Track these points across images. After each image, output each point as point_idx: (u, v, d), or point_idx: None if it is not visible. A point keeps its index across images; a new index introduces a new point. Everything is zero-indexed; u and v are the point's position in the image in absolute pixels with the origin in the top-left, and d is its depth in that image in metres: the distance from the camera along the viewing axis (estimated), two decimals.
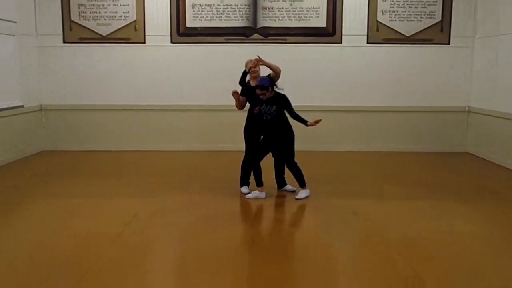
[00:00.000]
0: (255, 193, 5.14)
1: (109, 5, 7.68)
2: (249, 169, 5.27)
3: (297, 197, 5.15)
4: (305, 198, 5.12)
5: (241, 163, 5.34)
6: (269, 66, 5.01)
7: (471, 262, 3.61)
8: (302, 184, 5.19)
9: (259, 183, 5.15)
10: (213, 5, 7.67)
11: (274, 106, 4.96)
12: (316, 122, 5.04)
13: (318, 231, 4.27)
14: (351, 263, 3.64)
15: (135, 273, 3.38)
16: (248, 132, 5.25)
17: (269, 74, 5.07)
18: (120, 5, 7.67)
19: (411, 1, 7.67)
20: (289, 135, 5.09)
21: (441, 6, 7.67)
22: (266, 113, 4.98)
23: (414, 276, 3.32)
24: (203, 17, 7.71)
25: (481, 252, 3.81)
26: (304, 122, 5.07)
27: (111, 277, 3.30)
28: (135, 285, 3.22)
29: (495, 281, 3.31)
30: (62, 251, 3.75)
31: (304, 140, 7.77)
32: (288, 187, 5.42)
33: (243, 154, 5.34)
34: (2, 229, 4.28)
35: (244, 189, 5.29)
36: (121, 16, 7.70)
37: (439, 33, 7.73)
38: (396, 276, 3.34)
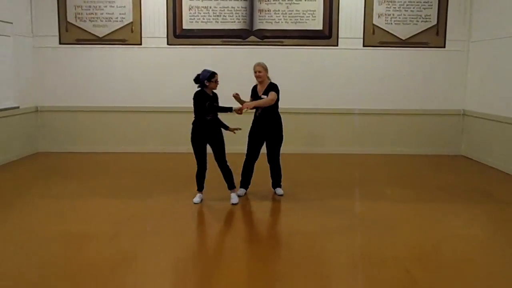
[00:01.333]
0: (234, 196, 5.10)
1: (106, 6, 7.67)
2: (248, 171, 5.32)
3: (231, 202, 5.06)
4: (235, 204, 5.01)
5: (242, 165, 5.37)
6: (258, 105, 5.04)
7: (468, 265, 3.62)
8: (230, 186, 5.12)
9: (201, 188, 5.13)
10: (210, 7, 7.68)
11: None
12: (235, 129, 5.04)
13: (315, 232, 4.28)
14: (348, 264, 3.65)
15: (129, 273, 3.38)
16: (252, 135, 5.28)
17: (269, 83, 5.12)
18: (117, 6, 7.67)
19: (407, 5, 7.71)
20: (220, 133, 5.06)
21: (436, 10, 7.71)
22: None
23: (409, 278, 3.34)
24: (199, 19, 7.71)
25: (478, 254, 3.83)
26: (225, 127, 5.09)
27: (105, 278, 3.29)
28: (130, 285, 3.22)
29: (496, 283, 3.33)
30: (55, 251, 3.75)
31: (300, 143, 7.85)
32: (278, 190, 5.42)
33: (244, 156, 5.37)
34: None
35: (241, 191, 5.31)
36: (117, 18, 7.70)
37: (434, 36, 7.77)
38: (391, 278, 3.35)
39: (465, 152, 7.87)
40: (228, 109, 4.90)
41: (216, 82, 4.91)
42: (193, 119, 5.01)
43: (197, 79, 4.91)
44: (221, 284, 3.24)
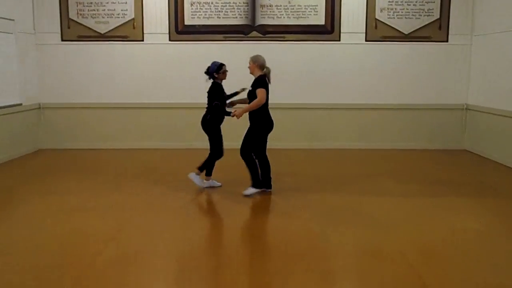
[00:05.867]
0: (250, 190, 5.17)
1: (107, 3, 7.66)
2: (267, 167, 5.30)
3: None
4: (211, 187, 5.39)
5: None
6: (248, 110, 5.03)
7: (471, 259, 3.62)
8: (207, 173, 5.36)
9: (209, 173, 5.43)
10: (212, 2, 7.67)
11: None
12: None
13: (317, 227, 4.28)
14: (351, 261, 3.65)
15: (132, 271, 3.39)
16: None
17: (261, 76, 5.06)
18: (118, 2, 7.66)
19: None
20: (208, 129, 5.22)
21: (439, 4, 7.68)
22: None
23: (412, 273, 3.33)
24: (201, 14, 7.70)
25: (482, 248, 3.82)
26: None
27: (108, 275, 3.30)
28: (133, 283, 3.23)
29: (500, 277, 3.32)
30: (58, 249, 3.76)
31: (302, 138, 7.84)
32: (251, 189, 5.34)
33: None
34: None
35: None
36: (119, 14, 7.69)
37: (437, 30, 7.74)
38: (394, 273, 3.35)
39: (468, 146, 7.85)
40: (229, 113, 5.15)
41: (224, 73, 5.19)
42: (207, 108, 5.22)
43: (208, 71, 5.17)
44: (222, 280, 3.25)
